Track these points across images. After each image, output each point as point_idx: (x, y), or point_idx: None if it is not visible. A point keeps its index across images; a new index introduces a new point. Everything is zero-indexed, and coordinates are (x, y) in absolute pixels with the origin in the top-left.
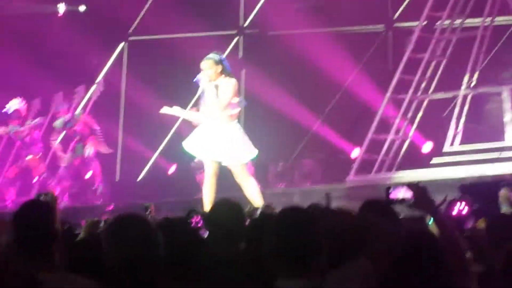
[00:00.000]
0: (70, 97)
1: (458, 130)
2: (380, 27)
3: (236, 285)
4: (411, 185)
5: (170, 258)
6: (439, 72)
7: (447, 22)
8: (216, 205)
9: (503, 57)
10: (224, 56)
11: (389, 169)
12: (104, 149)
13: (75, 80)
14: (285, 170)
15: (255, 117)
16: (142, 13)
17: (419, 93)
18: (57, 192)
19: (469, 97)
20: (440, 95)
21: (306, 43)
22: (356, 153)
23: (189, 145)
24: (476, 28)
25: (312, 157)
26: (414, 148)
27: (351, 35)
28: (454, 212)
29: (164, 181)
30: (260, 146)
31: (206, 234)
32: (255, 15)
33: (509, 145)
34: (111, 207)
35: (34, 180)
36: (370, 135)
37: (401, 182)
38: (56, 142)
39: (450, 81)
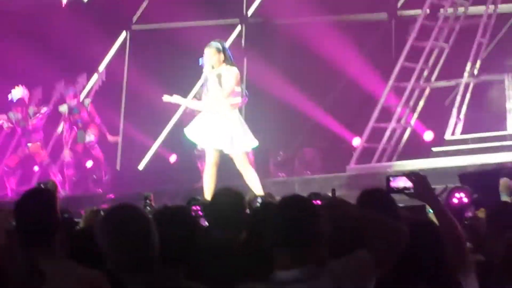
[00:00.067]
0: (72, 86)
1: (459, 119)
2: (383, 15)
3: (236, 274)
4: (411, 174)
5: (168, 246)
6: (442, 60)
7: (450, 10)
8: (217, 194)
9: (506, 45)
10: (226, 44)
11: (390, 157)
12: (111, 139)
13: (77, 69)
14: (285, 159)
15: (256, 107)
16: (144, 2)
17: (421, 81)
18: (58, 180)
19: (471, 86)
20: (442, 83)
21: (309, 32)
22: (357, 141)
23: (190, 132)
24: (479, 16)
25: (313, 146)
26: (415, 137)
27: (354, 24)
28: (454, 201)
29: (165, 170)
30: (261, 135)
31: (206, 223)
32: (258, 4)
33: (511, 133)
34: (111, 196)
35: (35, 169)
36: (371, 123)
37: (402, 171)
38: (59, 129)
39: (453, 69)
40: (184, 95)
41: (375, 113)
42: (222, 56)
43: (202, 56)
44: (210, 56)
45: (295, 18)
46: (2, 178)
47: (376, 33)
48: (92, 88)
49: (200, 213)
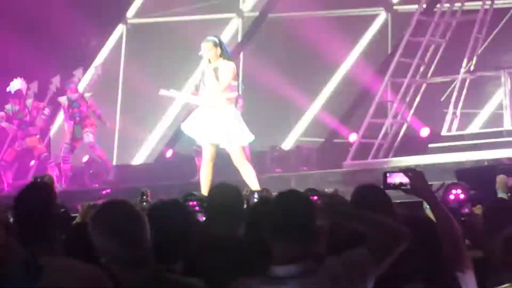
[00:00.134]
0: (73, 79)
1: (456, 115)
2: (380, 10)
3: (234, 269)
4: (408, 170)
5: (165, 241)
6: (438, 56)
7: (446, 5)
8: (215, 189)
9: (503, 41)
10: (222, 39)
11: (387, 153)
12: (111, 126)
13: (74, 63)
14: (282, 155)
15: (253, 101)
16: None
17: (418, 77)
18: (55, 174)
19: (467, 81)
20: (439, 79)
21: (306, 26)
22: (353, 137)
23: (187, 127)
24: (475, 11)
25: (310, 142)
26: (411, 133)
27: (351, 18)
28: (451, 198)
29: (161, 164)
30: (258, 130)
31: (203, 218)
32: None
33: (507, 129)
34: (108, 191)
35: (32, 163)
36: (367, 119)
37: (398, 167)
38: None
39: (449, 65)
40: (180, 88)
41: (372, 109)
42: (219, 50)
43: (198, 50)
44: (207, 50)
45: (292, 13)
46: None
47: (372, 28)
48: (88, 82)
49: (197, 208)
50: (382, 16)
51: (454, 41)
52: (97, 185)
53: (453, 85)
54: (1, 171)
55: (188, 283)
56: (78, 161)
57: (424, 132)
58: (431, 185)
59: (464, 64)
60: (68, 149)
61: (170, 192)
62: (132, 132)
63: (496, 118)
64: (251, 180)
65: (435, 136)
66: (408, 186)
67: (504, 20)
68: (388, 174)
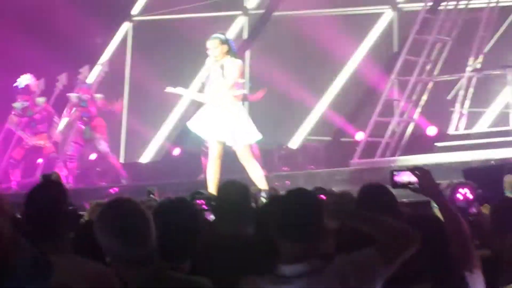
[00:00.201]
0: (74, 77)
1: (463, 114)
2: (386, 8)
3: (242, 268)
4: (415, 169)
5: (171, 240)
6: (444, 54)
7: (452, 3)
8: (224, 186)
9: (509, 39)
10: (229, 36)
11: (393, 152)
12: (118, 106)
13: (80, 61)
14: (289, 153)
15: (260, 99)
16: None
17: (424, 75)
18: (64, 173)
19: (474, 80)
20: (445, 78)
21: (311, 24)
22: (360, 136)
23: (193, 125)
24: (481, 9)
25: (317, 140)
26: (418, 132)
27: (356, 17)
28: (459, 197)
29: (168, 163)
30: (264, 129)
31: (210, 217)
32: None
33: None
34: (115, 190)
35: (39, 161)
36: (374, 118)
37: (405, 166)
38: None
39: (456, 63)
40: (186, 86)
41: (378, 107)
42: (225, 47)
43: (204, 47)
44: (213, 48)
45: (298, 11)
46: (6, 171)
47: (378, 27)
48: (94, 80)
49: (204, 207)
50: (388, 14)
51: (460, 39)
52: (104, 183)
53: (459, 84)
54: (10, 169)
55: (193, 281)
56: (85, 159)
57: (431, 131)
58: (439, 184)
59: (470, 63)
60: (76, 148)
61: (177, 190)
62: (139, 129)
63: (503, 117)
64: (258, 178)
65: (442, 135)
66: (416, 185)
67: (510, 18)
68: (395, 173)
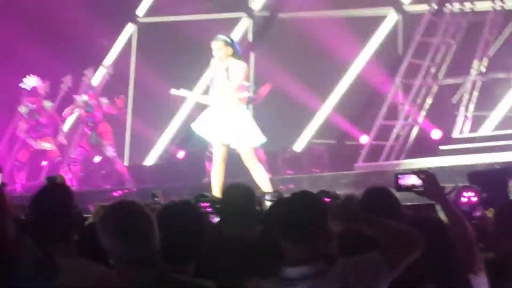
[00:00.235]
0: (79, 79)
1: (467, 117)
2: (390, 11)
3: (245, 269)
4: (420, 172)
5: (175, 243)
6: (449, 57)
7: (457, 6)
8: (228, 189)
9: None
10: (234, 38)
11: (398, 156)
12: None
13: (84, 62)
14: (293, 156)
15: (263, 103)
16: None
17: (429, 78)
18: (68, 176)
19: (478, 83)
20: (450, 81)
21: (316, 26)
22: (365, 139)
23: (198, 127)
24: (486, 12)
25: (321, 144)
26: (423, 135)
27: (361, 19)
28: (463, 201)
29: (172, 165)
30: (269, 131)
31: (215, 220)
32: None
33: None
34: (119, 192)
35: (44, 163)
36: (379, 121)
37: (410, 169)
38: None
39: (460, 66)
40: (191, 88)
41: (383, 111)
42: (230, 49)
43: (208, 49)
44: (218, 49)
45: (302, 13)
46: (11, 173)
47: (383, 29)
48: (99, 82)
49: (208, 210)
50: (392, 17)
51: (465, 42)
52: (109, 186)
53: (464, 87)
54: (14, 172)
55: (196, 284)
56: (90, 161)
57: (436, 134)
58: (444, 187)
59: (475, 66)
60: (80, 152)
61: (181, 193)
62: (143, 132)
63: (508, 120)
64: (262, 181)
65: (446, 138)
66: (420, 188)
67: None
68: (400, 176)
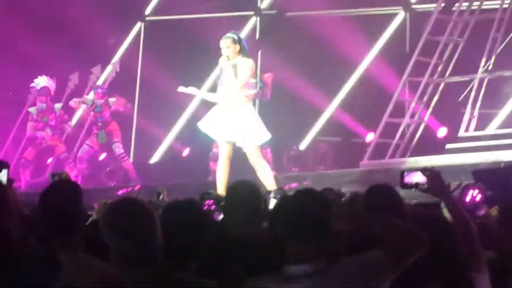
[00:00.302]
0: (86, 77)
1: (473, 115)
2: (398, 9)
3: (248, 267)
4: (425, 170)
5: (178, 241)
6: (456, 55)
7: (465, 4)
8: (234, 187)
9: None
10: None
11: (403, 153)
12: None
13: (92, 60)
14: (299, 154)
15: (270, 100)
16: None
17: (436, 76)
18: (73, 173)
19: (485, 81)
20: (457, 79)
21: (323, 24)
22: (370, 137)
23: (204, 125)
24: (494, 10)
25: (326, 141)
26: (429, 133)
27: (368, 17)
28: (468, 199)
29: (177, 163)
30: (274, 129)
31: (219, 217)
32: None
33: None
34: (124, 190)
35: (49, 161)
36: (385, 118)
37: (416, 167)
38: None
39: (467, 64)
40: (198, 87)
41: (389, 108)
42: (237, 47)
43: (216, 47)
44: (226, 47)
45: (310, 11)
46: (17, 170)
47: (390, 27)
48: (106, 79)
49: (213, 207)
50: (400, 15)
51: (473, 40)
52: (113, 184)
53: (471, 85)
54: (20, 169)
55: (197, 282)
56: (95, 159)
57: (442, 132)
58: (448, 184)
59: (482, 64)
60: (87, 151)
61: (186, 191)
62: (149, 130)
63: None
64: (267, 179)
65: (452, 136)
66: (425, 186)
67: None
68: (405, 173)
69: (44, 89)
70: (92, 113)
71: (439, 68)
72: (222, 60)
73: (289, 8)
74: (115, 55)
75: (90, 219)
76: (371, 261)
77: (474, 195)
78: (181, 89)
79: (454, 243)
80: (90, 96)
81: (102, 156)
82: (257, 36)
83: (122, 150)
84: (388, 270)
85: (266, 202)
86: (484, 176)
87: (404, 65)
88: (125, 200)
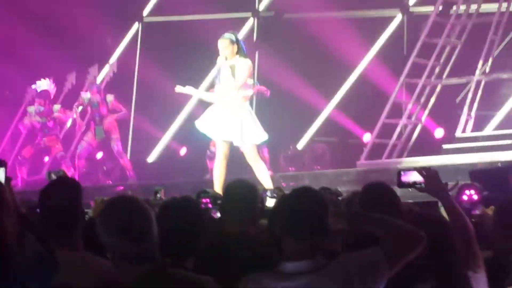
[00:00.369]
0: (83, 77)
1: (470, 116)
2: (395, 11)
3: (245, 264)
4: (422, 169)
5: (176, 238)
6: (454, 57)
7: (463, 7)
8: (231, 184)
9: None
10: (240, 36)
11: (400, 154)
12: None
13: (89, 60)
14: (295, 154)
15: (267, 100)
16: None
17: (433, 78)
18: (70, 172)
19: (482, 83)
20: (454, 81)
21: (321, 26)
22: (367, 137)
23: (201, 124)
24: (491, 13)
25: (324, 141)
26: (426, 134)
27: (366, 20)
28: (464, 198)
29: (174, 162)
30: (272, 129)
31: (216, 216)
32: None
33: None
34: (120, 188)
35: (45, 160)
36: (382, 119)
37: (413, 167)
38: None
39: (464, 66)
40: (196, 87)
41: (386, 109)
42: (235, 47)
43: (213, 48)
44: (224, 47)
45: (307, 13)
46: (13, 168)
47: (388, 30)
48: (103, 79)
49: (210, 205)
50: (398, 18)
51: (470, 43)
52: (110, 182)
53: (468, 87)
54: (17, 167)
55: (194, 278)
56: (92, 157)
57: (439, 133)
58: (446, 184)
59: (479, 66)
60: (85, 148)
61: (183, 190)
62: (146, 129)
63: (510, 119)
64: (264, 178)
65: (449, 137)
66: (422, 185)
67: None
68: (402, 173)
69: (44, 92)
70: (89, 109)
71: (437, 70)
72: (220, 60)
73: (286, 9)
74: (113, 55)
75: (87, 217)
76: (368, 258)
77: (470, 195)
78: (178, 89)
79: (450, 242)
80: (87, 95)
81: (99, 154)
82: (254, 37)
83: (120, 147)
84: (385, 268)
85: (263, 201)
86: (481, 176)
87: (401, 67)
88: (121, 198)
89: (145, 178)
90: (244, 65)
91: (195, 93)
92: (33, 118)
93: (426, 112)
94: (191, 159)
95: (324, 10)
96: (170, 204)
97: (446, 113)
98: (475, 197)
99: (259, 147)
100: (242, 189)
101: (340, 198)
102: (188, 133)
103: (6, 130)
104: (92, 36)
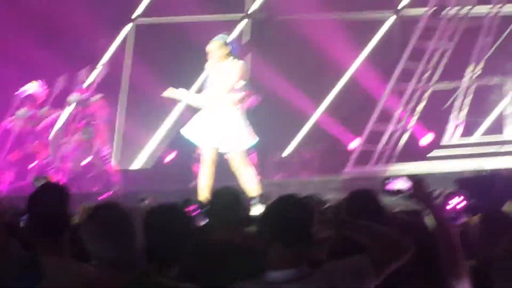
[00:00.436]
0: (74, 78)
1: (459, 122)
2: (387, 14)
3: (230, 273)
4: (408, 177)
5: (160, 245)
6: (444, 61)
7: (454, 10)
8: (217, 192)
9: (509, 48)
10: (232, 37)
11: (387, 161)
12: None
13: (80, 62)
14: (283, 160)
15: (256, 105)
16: None
17: (422, 83)
18: (57, 177)
19: (471, 89)
20: (443, 86)
21: (313, 29)
22: (355, 144)
23: (188, 132)
24: (483, 17)
25: (311, 147)
26: (413, 140)
27: (358, 22)
28: (450, 206)
29: (160, 169)
30: (259, 134)
31: (201, 223)
32: (263, 0)
33: (508, 139)
34: (107, 194)
35: (32, 165)
36: (370, 125)
37: (399, 175)
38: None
39: (455, 71)
40: (187, 89)
41: (375, 115)
42: (227, 49)
43: (205, 50)
44: (215, 50)
45: (299, 15)
46: (1, 171)
47: (380, 32)
48: (93, 81)
49: (196, 212)
50: (390, 20)
51: (461, 46)
52: (96, 189)
53: (457, 92)
54: (4, 170)
55: (177, 287)
56: (77, 164)
57: (426, 139)
58: (431, 192)
59: (469, 70)
60: (73, 148)
61: (169, 197)
62: (133, 134)
63: (498, 126)
64: (250, 185)
65: (436, 144)
66: (408, 193)
67: (511, 27)
68: (388, 180)
69: (33, 96)
70: (77, 109)
71: (426, 75)
72: (208, 66)
73: (278, 11)
74: (104, 57)
75: (72, 223)
76: (354, 266)
77: (456, 203)
78: (167, 93)
79: (435, 250)
80: (74, 97)
81: (85, 161)
82: (246, 39)
83: (106, 151)
84: (371, 275)
85: (247, 209)
86: (467, 183)
87: (392, 71)
88: (105, 205)
89: (130, 185)
90: (235, 67)
91: (185, 98)
92: (21, 122)
93: (415, 118)
94: (178, 165)
95: (317, 12)
96: (156, 211)
97: (435, 118)
98: (461, 205)
99: (248, 152)
100: (229, 196)
101: (324, 207)
102: (175, 139)
103: None
104: (84, 39)
